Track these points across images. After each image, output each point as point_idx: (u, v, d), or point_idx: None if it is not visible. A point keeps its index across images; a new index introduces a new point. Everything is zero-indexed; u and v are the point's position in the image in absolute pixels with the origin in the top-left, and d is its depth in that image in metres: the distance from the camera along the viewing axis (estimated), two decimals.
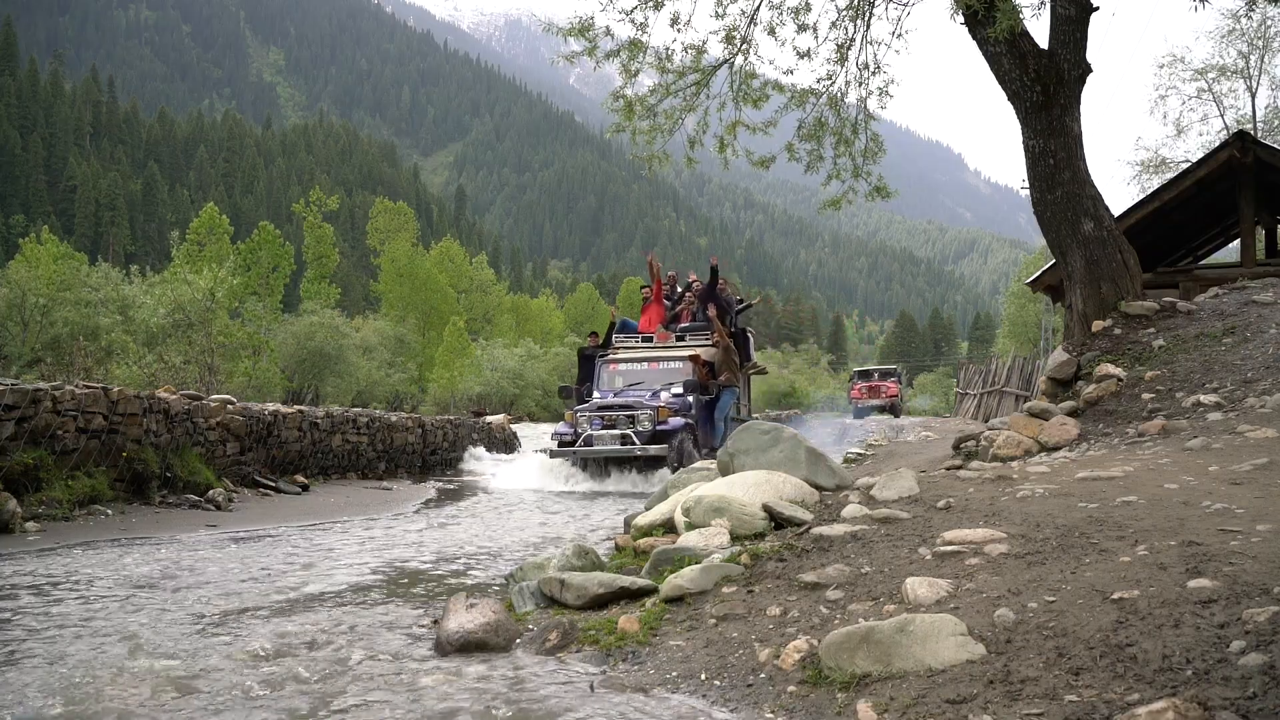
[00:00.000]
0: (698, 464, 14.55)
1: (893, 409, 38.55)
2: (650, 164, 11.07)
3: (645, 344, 16.50)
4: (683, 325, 16.84)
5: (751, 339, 17.88)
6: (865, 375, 42.03)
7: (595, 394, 15.43)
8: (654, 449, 13.93)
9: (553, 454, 14.83)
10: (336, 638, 4.41)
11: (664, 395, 14.80)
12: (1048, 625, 3.05)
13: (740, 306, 18.21)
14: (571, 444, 14.59)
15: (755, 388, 61.57)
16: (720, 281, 17.27)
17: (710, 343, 15.89)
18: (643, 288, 17.79)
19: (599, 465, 14.58)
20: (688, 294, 17.50)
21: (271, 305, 38.81)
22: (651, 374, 15.59)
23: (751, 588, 4.16)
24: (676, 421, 14.31)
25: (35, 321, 26.70)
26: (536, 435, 28.37)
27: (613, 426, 14.34)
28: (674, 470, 12.02)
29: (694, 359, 15.27)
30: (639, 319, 17.93)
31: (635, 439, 14.02)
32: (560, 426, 15.11)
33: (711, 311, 16.18)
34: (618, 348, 16.57)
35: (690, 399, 14.98)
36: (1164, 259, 18.17)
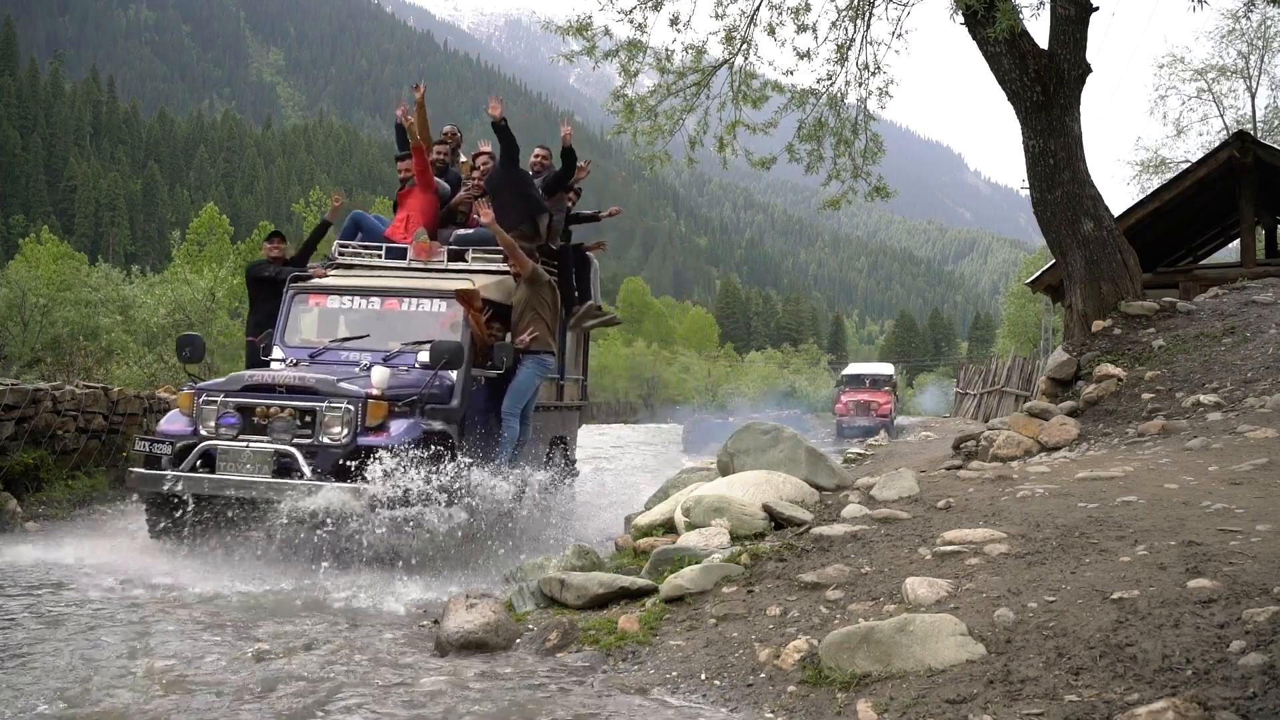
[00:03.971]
0: (692, 466, 12.53)
1: (885, 430, 25.56)
2: (651, 164, 11.07)
3: (392, 263, 8.28)
4: (463, 232, 8.57)
5: (595, 268, 9.64)
6: (855, 382, 29.71)
7: (277, 351, 7.66)
8: (333, 495, 6.12)
9: (136, 482, 6.70)
10: (336, 636, 4.42)
11: (376, 373, 6.74)
12: (1048, 625, 3.06)
13: (584, 215, 9.94)
14: (176, 460, 6.64)
15: (754, 387, 61.02)
16: (581, 166, 8.93)
17: (504, 270, 8.00)
18: (398, 159, 8.87)
19: (228, 515, 6.59)
20: (474, 175, 8.77)
21: None
22: (388, 322, 7.70)
23: (751, 588, 4.17)
24: (402, 430, 6.56)
25: (35, 321, 26.70)
26: None
27: (263, 431, 6.58)
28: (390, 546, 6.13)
29: (464, 299, 7.39)
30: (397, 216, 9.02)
31: (304, 463, 6.37)
32: (166, 421, 7.03)
33: (486, 216, 7.64)
34: (341, 263, 8.39)
35: (453, 378, 7.21)
36: (1164, 259, 18.17)
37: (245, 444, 6.43)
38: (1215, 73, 28.50)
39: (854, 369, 34.13)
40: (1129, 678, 2.65)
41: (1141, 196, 16.35)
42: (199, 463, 6.46)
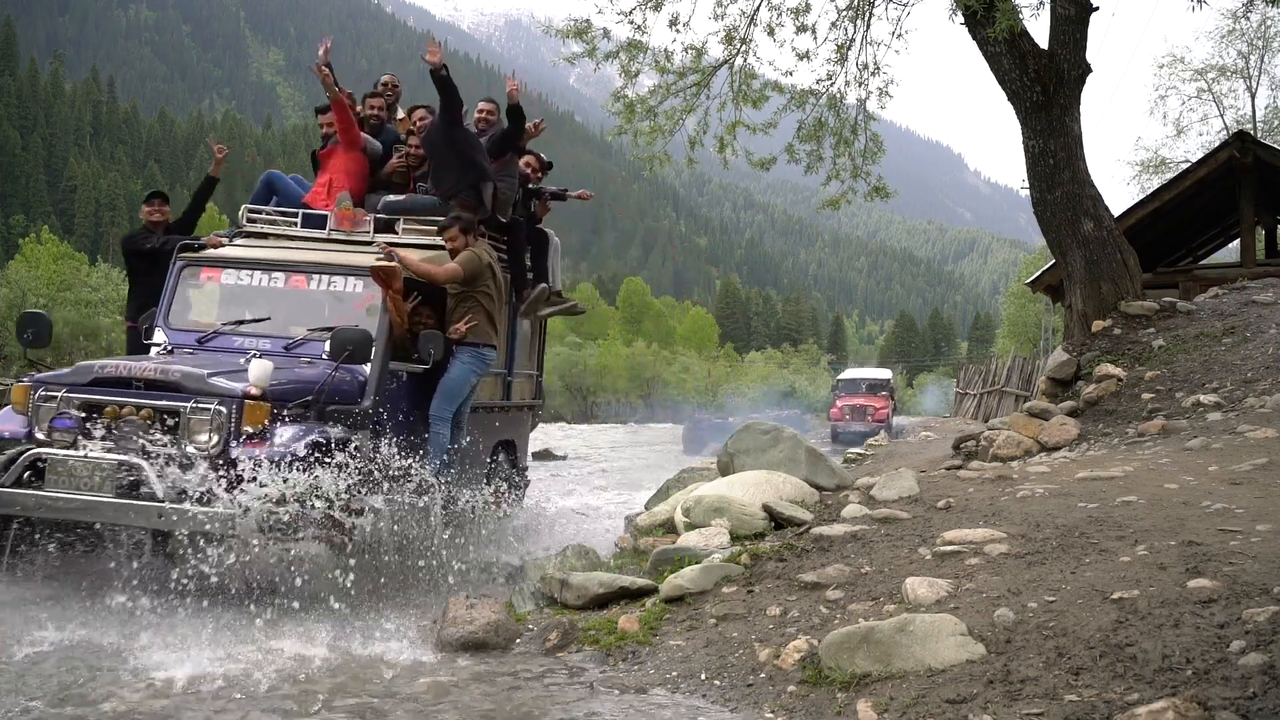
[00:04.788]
0: (695, 465, 12.52)
1: (885, 430, 24.12)
2: (651, 164, 11.08)
3: (308, 234, 6.92)
4: (393, 198, 7.17)
5: (555, 246, 8.27)
6: (851, 387, 28.28)
7: (158, 335, 6.34)
8: (200, 517, 4.79)
9: None
10: (335, 637, 4.41)
11: (255, 367, 5.39)
12: (1048, 625, 3.06)
13: (551, 192, 8.38)
14: (2, 470, 5.15)
15: (754, 387, 61.04)
16: (532, 128, 7.55)
17: (438, 243, 6.59)
18: (319, 114, 7.64)
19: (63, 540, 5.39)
20: (411, 141, 7.51)
21: None
22: (293, 303, 6.44)
23: (751, 588, 4.17)
24: (288, 438, 5.25)
25: None
26: (539, 435, 28.35)
27: (113, 438, 5.17)
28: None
29: (381, 277, 6.06)
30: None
31: (155, 480, 4.95)
32: None
33: (389, 271, 6.23)
34: (249, 232, 7.04)
35: (365, 374, 5.93)
36: (1164, 259, 18.17)
37: (82, 453, 4.91)
38: (1215, 73, 28.51)
39: (850, 373, 32.32)
40: (1129, 678, 2.65)
41: (1141, 196, 16.36)
42: (26, 474, 4.98)
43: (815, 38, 11.04)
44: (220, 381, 5.25)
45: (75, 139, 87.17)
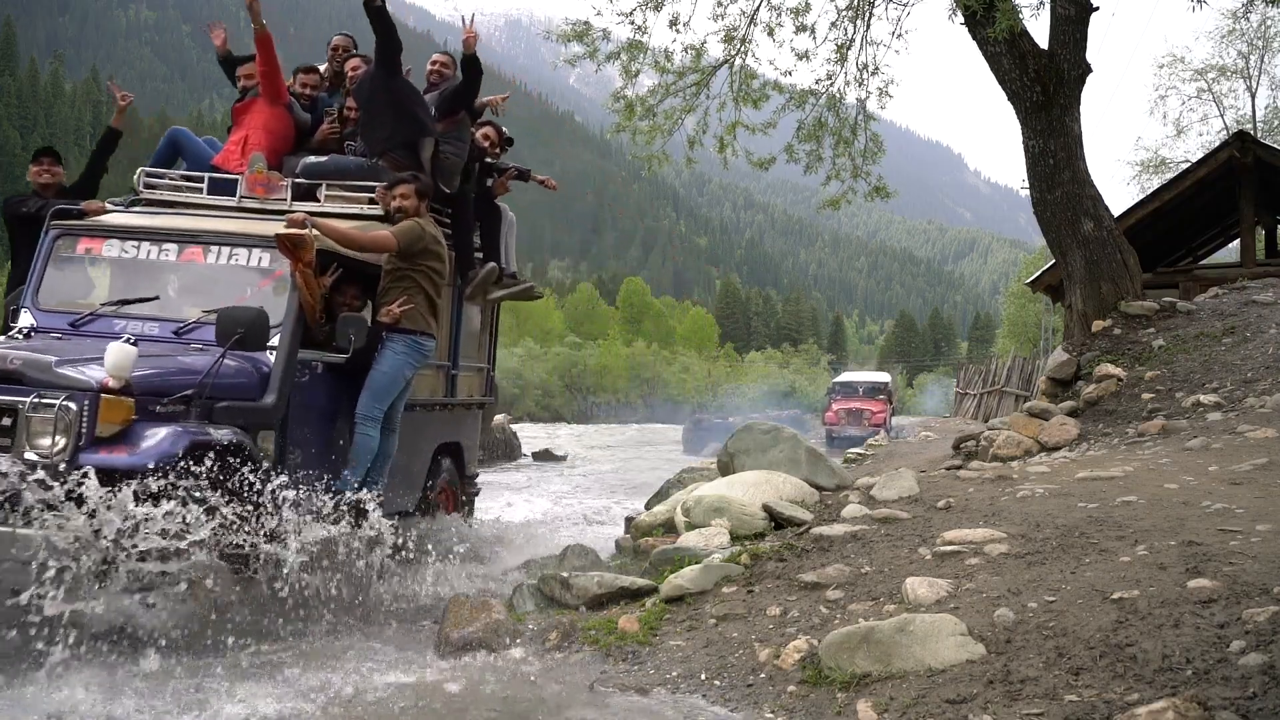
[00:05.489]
0: (695, 465, 12.50)
1: (885, 431, 24.11)
2: (650, 164, 11.08)
3: (215, 200, 5.93)
4: (314, 160, 6.09)
5: (510, 223, 7.36)
6: (847, 389, 27.50)
7: (24, 317, 5.37)
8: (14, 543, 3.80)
9: None
10: (335, 637, 4.42)
11: (112, 353, 4.24)
12: (1048, 625, 3.06)
13: (508, 168, 7.41)
14: None
15: (754, 387, 61.23)
16: (494, 100, 7.34)
17: (372, 214, 5.79)
18: (235, 66, 6.57)
19: None
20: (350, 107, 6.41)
21: None
22: (187, 279, 5.47)
23: (751, 588, 4.17)
24: (155, 442, 4.22)
25: None
26: (539, 435, 28.39)
27: None
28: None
29: (288, 247, 4.96)
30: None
31: None
32: None
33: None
34: (148, 198, 6.02)
35: (268, 365, 4.99)
36: (1164, 259, 18.17)
37: None
38: (1215, 73, 28.51)
39: (847, 376, 31.58)
40: (1129, 678, 2.65)
41: (1141, 196, 16.36)
42: None
43: (815, 38, 11.05)
44: (70, 371, 4.23)
45: (75, 139, 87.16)
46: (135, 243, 5.47)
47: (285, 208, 5.71)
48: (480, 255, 6.90)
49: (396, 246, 5.30)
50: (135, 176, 5.99)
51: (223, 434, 4.45)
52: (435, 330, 5.63)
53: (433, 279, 5.53)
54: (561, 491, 14.45)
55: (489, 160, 7.07)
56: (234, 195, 5.83)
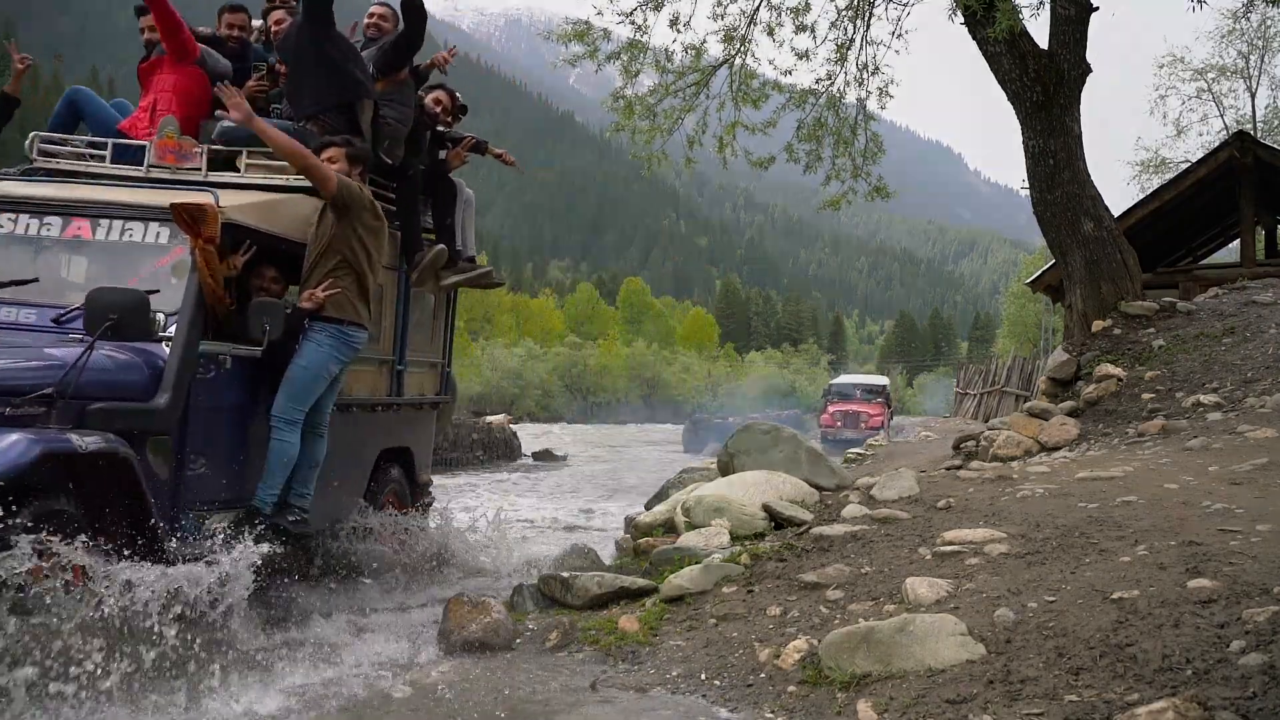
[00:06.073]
0: (695, 465, 12.47)
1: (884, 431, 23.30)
2: (650, 164, 11.08)
3: (120, 170, 5.06)
4: (231, 122, 4.85)
5: (467, 200, 6.58)
6: (844, 392, 26.67)
7: None
8: None
9: None
10: (336, 638, 4.42)
11: None
12: (1048, 625, 3.06)
13: (472, 140, 6.54)
14: None
15: (754, 387, 61.35)
16: (441, 57, 6.38)
17: (299, 187, 4.96)
18: (139, 14, 5.67)
19: None
20: (272, 38, 5.84)
21: None
22: (73, 258, 4.84)
23: (751, 588, 4.17)
24: None
25: None
26: (539, 436, 28.38)
27: None
28: None
29: (186, 219, 4.23)
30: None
31: None
32: None
33: (237, 109, 4.66)
34: (42, 167, 5.20)
35: (162, 359, 4.22)
36: (1164, 259, 18.17)
37: None
38: (1215, 73, 28.48)
39: (844, 378, 30.98)
40: (1129, 678, 2.65)
41: (1141, 196, 16.35)
42: None
43: (815, 37, 11.06)
44: None
45: None
46: (10, 215, 4.65)
47: (200, 179, 4.91)
48: (435, 238, 6.17)
49: (334, 190, 4.58)
50: (28, 142, 5.22)
51: (90, 442, 3.56)
52: (366, 319, 4.83)
53: (366, 257, 4.77)
54: (550, 493, 14.46)
55: (441, 129, 6.33)
56: (141, 164, 4.99)
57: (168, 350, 4.20)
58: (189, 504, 4.24)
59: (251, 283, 4.74)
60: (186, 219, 4.20)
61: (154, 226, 4.56)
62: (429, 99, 6.15)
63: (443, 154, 6.29)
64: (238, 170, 5.02)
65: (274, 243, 4.77)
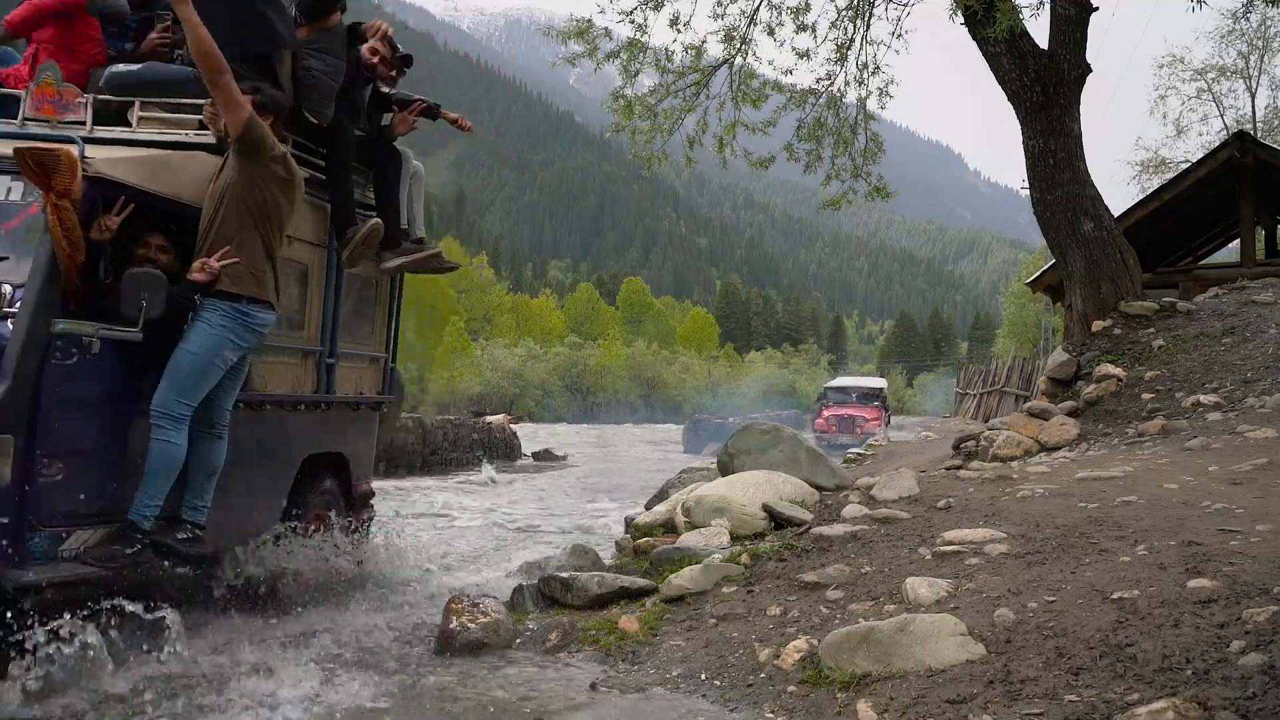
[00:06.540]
0: (695, 465, 12.51)
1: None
2: (650, 164, 11.08)
3: None
4: (123, 68, 4.59)
5: (415, 173, 5.70)
6: (840, 395, 26.10)
7: None
8: None
9: None
10: (338, 637, 4.42)
11: None
12: (1048, 625, 3.06)
13: (421, 103, 5.72)
14: None
15: (754, 386, 61.37)
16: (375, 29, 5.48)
17: (195, 139, 4.37)
18: None
19: None
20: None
21: None
22: None
23: (751, 588, 4.17)
24: None
25: None
26: (540, 436, 28.39)
27: None
28: None
29: (35, 167, 3.50)
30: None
31: None
32: None
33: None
34: None
35: (3, 336, 3.50)
36: (1164, 259, 18.17)
37: None
38: (1215, 73, 28.51)
39: (840, 381, 30.38)
40: (1129, 678, 2.65)
41: (1141, 196, 16.36)
42: None
43: (815, 37, 11.05)
44: None
45: None
46: None
47: (86, 133, 4.17)
48: (377, 213, 5.36)
49: (242, 122, 3.92)
50: None
51: None
52: (273, 295, 4.12)
53: (274, 221, 4.08)
54: (550, 493, 14.45)
55: (385, 89, 5.57)
56: (15, 116, 4.30)
57: (10, 329, 3.51)
58: (43, 520, 3.50)
59: (135, 253, 3.96)
60: (35, 168, 3.51)
61: (5, 180, 3.83)
62: (364, 49, 5.33)
63: (389, 118, 5.59)
64: (129, 124, 4.35)
65: (164, 205, 4.06)
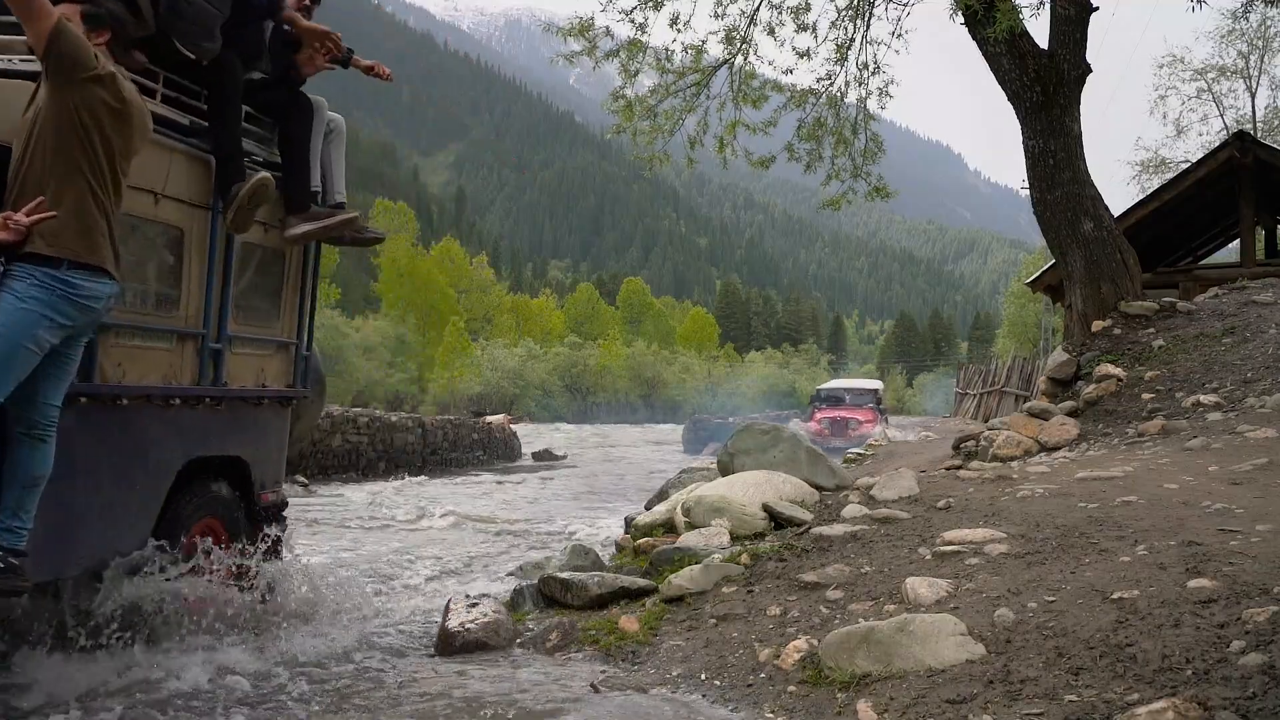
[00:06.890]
0: (695, 465, 12.55)
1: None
2: (650, 164, 11.09)
3: None
4: None
5: (335, 130, 4.98)
6: (833, 397, 25.32)
7: None
8: None
9: None
10: (339, 637, 4.42)
11: None
12: (1048, 625, 3.06)
13: (314, 30, 4.71)
14: None
15: (754, 386, 61.32)
16: None
17: (22, 66, 3.47)
18: None
19: None
20: None
21: None
22: None
23: (751, 588, 4.17)
24: None
25: None
26: (539, 436, 28.39)
27: None
28: None
29: None
30: None
31: None
32: None
33: None
34: None
35: None
36: (1164, 259, 18.17)
37: None
38: (1215, 73, 28.53)
39: (834, 383, 29.70)
40: (1129, 678, 2.65)
41: (1141, 196, 16.36)
42: None
43: (815, 37, 11.07)
44: None
45: None
46: None
47: None
48: (288, 168, 4.68)
49: (45, 36, 3.13)
50: None
51: None
52: (108, 260, 3.32)
53: (104, 163, 3.28)
54: (550, 493, 14.44)
55: (288, 25, 4.72)
56: None
57: None
58: None
59: None
60: None
61: None
62: None
63: (294, 56, 4.82)
64: None
65: None
